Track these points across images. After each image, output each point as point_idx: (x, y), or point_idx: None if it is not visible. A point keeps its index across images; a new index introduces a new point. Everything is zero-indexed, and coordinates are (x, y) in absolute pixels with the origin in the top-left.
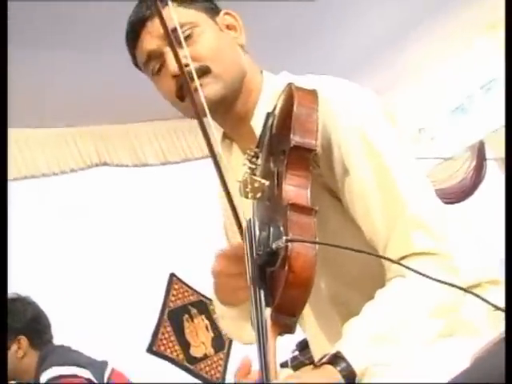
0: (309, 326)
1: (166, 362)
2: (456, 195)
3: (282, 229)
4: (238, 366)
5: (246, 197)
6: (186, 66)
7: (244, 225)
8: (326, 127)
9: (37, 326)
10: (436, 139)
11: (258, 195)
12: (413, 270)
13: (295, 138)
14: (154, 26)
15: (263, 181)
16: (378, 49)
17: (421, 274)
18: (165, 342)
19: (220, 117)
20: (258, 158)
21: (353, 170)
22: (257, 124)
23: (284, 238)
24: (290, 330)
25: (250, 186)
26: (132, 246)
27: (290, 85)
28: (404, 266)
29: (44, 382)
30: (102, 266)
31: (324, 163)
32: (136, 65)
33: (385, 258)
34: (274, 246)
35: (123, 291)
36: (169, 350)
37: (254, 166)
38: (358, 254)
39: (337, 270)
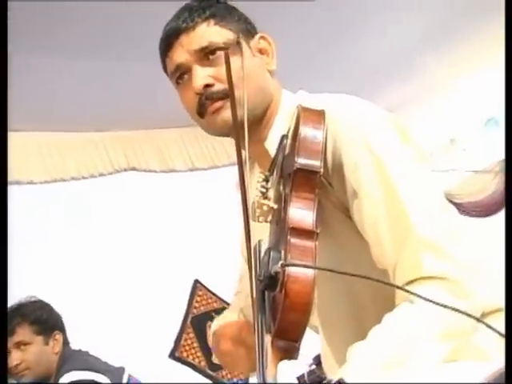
0: (321, 343)
1: (188, 368)
2: (487, 208)
3: (282, 253)
4: None
5: (256, 220)
6: (210, 85)
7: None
8: (336, 147)
9: (63, 325)
10: (468, 150)
11: (269, 218)
12: (419, 296)
13: (299, 160)
14: (187, 39)
15: (271, 204)
16: (410, 58)
17: (426, 299)
18: (187, 348)
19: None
20: (267, 181)
21: (361, 191)
22: (271, 146)
23: (280, 262)
24: (291, 355)
25: (258, 210)
26: (157, 251)
27: (298, 106)
28: (408, 291)
29: None
30: (127, 271)
31: (337, 183)
32: (165, 71)
33: (390, 285)
34: (272, 270)
35: (147, 297)
36: (191, 357)
37: (264, 190)
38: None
39: (350, 287)
